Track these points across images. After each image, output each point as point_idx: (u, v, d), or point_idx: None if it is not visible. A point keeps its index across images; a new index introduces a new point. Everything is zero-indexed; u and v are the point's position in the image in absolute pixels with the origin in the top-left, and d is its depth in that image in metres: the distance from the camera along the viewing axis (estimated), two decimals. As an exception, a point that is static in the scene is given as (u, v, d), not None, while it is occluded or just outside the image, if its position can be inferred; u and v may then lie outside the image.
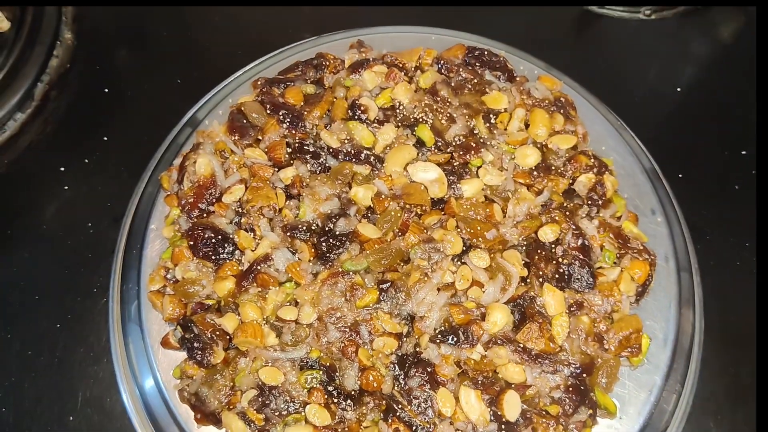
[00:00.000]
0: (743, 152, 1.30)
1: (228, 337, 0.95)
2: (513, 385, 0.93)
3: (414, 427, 0.89)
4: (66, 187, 1.24)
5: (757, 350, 1.09)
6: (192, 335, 0.95)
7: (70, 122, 1.31)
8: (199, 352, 0.94)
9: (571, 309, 0.98)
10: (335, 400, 0.91)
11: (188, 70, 1.37)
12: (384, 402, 0.91)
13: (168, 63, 1.40)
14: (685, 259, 1.09)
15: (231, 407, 0.92)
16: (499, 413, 0.90)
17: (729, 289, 1.18)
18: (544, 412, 0.92)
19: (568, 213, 1.03)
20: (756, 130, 1.30)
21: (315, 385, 0.91)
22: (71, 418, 1.04)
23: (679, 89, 1.39)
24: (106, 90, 1.34)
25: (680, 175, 1.24)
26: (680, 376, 1.03)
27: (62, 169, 1.25)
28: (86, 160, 1.26)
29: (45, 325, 1.12)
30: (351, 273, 0.96)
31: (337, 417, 0.90)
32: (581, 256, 1.00)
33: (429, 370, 0.92)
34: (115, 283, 1.07)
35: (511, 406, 0.90)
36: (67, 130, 1.30)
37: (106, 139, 1.28)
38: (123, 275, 1.06)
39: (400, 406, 0.89)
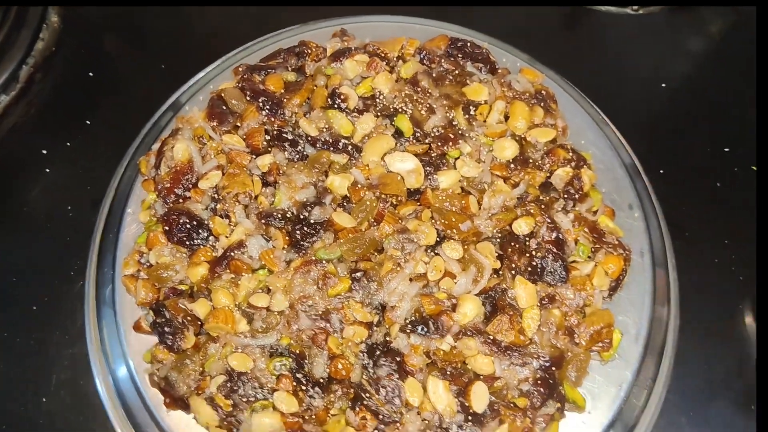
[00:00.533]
0: (726, 149, 1.30)
1: (199, 322, 0.95)
2: (481, 377, 0.93)
3: (381, 416, 0.89)
4: (47, 170, 1.24)
5: (757, 353, 1.09)
6: (163, 320, 0.95)
7: (55, 105, 1.31)
8: (170, 337, 0.94)
9: (543, 302, 0.98)
10: (303, 388, 0.91)
11: (174, 55, 1.36)
12: (352, 390, 0.91)
13: (153, 48, 1.40)
14: (662, 255, 1.09)
15: (200, 392, 0.93)
16: (466, 404, 0.90)
17: (706, 286, 1.18)
18: (512, 405, 0.92)
19: (543, 206, 1.03)
20: (756, 135, 1.29)
21: (284, 372, 0.92)
22: (44, 399, 1.05)
23: (664, 85, 1.38)
24: (91, 74, 1.34)
25: (661, 171, 1.23)
26: (652, 372, 1.03)
27: (44, 152, 1.26)
28: (68, 144, 1.26)
29: (22, 307, 1.12)
30: (324, 261, 0.96)
31: (304, 404, 0.91)
32: (555, 250, 1.00)
33: (398, 359, 0.92)
34: (91, 266, 1.08)
35: (479, 398, 0.90)
36: (51, 113, 1.30)
37: (89, 122, 1.29)
38: (99, 259, 1.07)
39: (367, 395, 0.90)
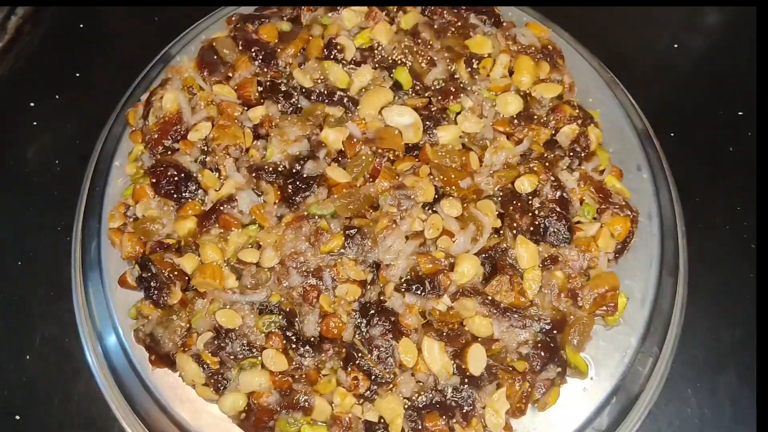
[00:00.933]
0: (740, 113, 1.25)
1: (186, 277, 0.92)
2: (479, 339, 0.89)
3: (373, 376, 0.85)
4: (35, 123, 1.20)
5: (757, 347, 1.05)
6: (149, 274, 0.91)
7: (43, 57, 1.28)
8: (156, 292, 0.91)
9: (545, 263, 0.94)
10: (293, 346, 0.87)
11: (167, 7, 1.31)
12: (344, 350, 0.87)
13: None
14: (671, 219, 1.04)
15: (186, 349, 0.89)
16: (462, 366, 0.86)
17: (716, 253, 1.14)
18: (510, 368, 0.89)
19: (547, 164, 0.99)
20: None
21: (273, 330, 0.88)
22: (28, 357, 1.02)
23: (676, 45, 1.33)
24: (81, 25, 1.30)
25: (672, 134, 1.18)
26: (658, 339, 0.99)
27: (32, 104, 1.21)
28: (57, 97, 1.22)
29: (7, 263, 1.09)
30: (317, 217, 0.92)
31: (294, 363, 0.87)
32: (559, 209, 0.96)
33: (392, 319, 0.88)
34: (78, 221, 1.04)
35: (476, 360, 0.86)
36: (40, 66, 1.27)
37: (78, 75, 1.24)
38: (85, 214, 1.03)
39: (360, 355, 0.86)
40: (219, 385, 0.88)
